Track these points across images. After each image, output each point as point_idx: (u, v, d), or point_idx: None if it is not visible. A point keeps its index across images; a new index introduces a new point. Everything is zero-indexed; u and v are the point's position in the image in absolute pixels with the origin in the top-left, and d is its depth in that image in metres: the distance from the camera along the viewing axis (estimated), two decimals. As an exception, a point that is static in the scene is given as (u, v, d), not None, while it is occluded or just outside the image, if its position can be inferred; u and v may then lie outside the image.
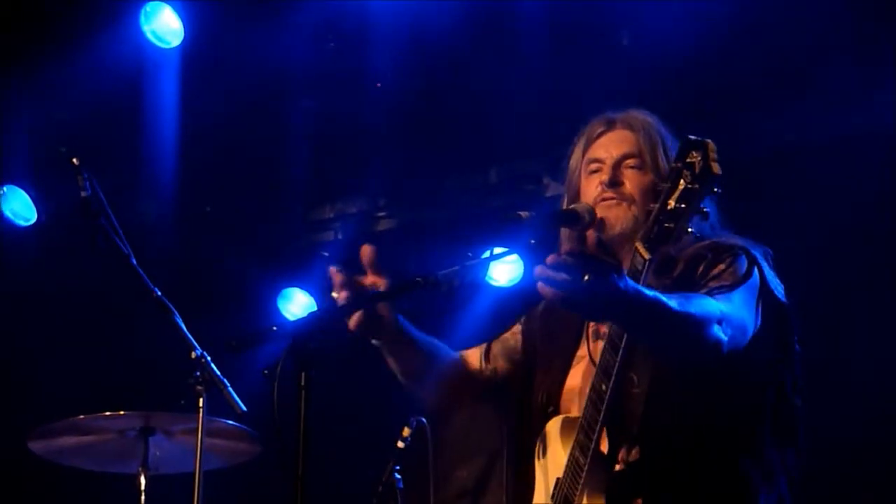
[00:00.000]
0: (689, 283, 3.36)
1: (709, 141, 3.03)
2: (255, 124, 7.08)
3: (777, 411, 3.45)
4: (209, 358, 4.31)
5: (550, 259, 2.92)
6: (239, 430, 5.07)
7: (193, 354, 4.31)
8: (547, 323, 3.75)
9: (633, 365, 3.34)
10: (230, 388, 4.28)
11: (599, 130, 3.68)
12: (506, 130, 6.74)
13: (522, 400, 3.76)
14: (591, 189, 3.59)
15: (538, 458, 3.58)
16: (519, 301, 3.87)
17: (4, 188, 7.10)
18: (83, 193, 4.42)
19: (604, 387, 3.26)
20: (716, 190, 3.02)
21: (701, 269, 3.41)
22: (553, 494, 3.43)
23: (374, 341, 3.67)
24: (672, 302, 3.06)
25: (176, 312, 4.41)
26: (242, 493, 6.77)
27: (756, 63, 6.03)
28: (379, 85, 6.74)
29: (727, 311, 3.19)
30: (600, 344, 3.41)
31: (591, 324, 3.59)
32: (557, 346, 3.67)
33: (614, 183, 3.54)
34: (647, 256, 3.05)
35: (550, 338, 3.72)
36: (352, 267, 3.59)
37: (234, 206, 7.51)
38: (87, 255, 4.57)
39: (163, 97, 6.86)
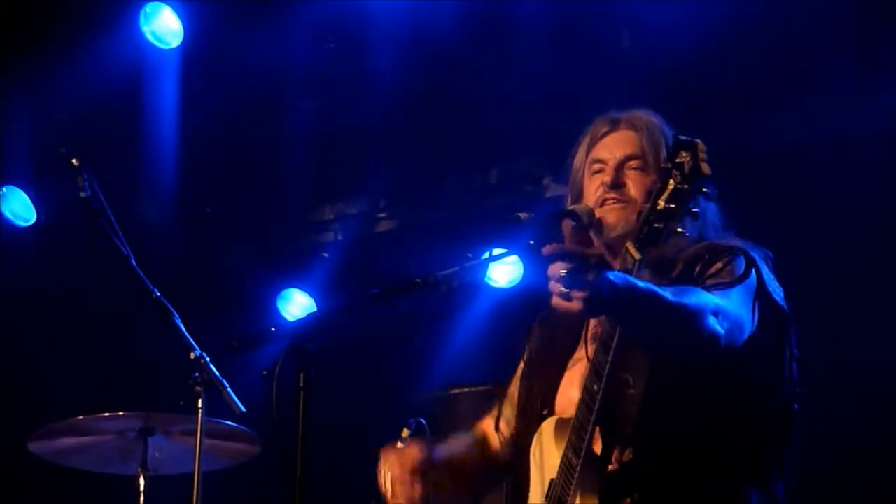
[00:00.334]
0: (687, 283, 3.36)
1: (698, 141, 3.03)
2: (255, 125, 7.08)
3: (773, 415, 3.44)
4: (208, 359, 4.31)
5: (553, 272, 2.93)
6: (238, 431, 5.07)
7: (193, 355, 4.31)
8: (547, 326, 3.75)
9: (628, 366, 3.33)
10: (229, 389, 4.28)
11: (603, 130, 3.67)
12: (506, 131, 6.74)
13: (521, 402, 3.76)
14: (594, 190, 3.59)
15: (534, 460, 3.58)
16: (520, 304, 3.87)
17: (4, 189, 7.11)
18: (83, 194, 4.42)
19: (595, 387, 3.26)
20: (705, 190, 3.02)
21: (698, 268, 3.41)
22: (547, 495, 3.43)
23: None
24: (666, 293, 3.07)
25: (175, 313, 4.41)
26: (242, 493, 6.77)
27: (756, 64, 6.02)
28: (377, 85, 6.74)
29: (723, 304, 3.19)
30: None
31: (591, 326, 3.59)
32: (556, 349, 3.67)
33: (616, 185, 3.54)
34: (637, 257, 3.05)
35: (550, 341, 3.72)
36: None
37: (234, 206, 7.50)
38: (87, 256, 4.56)
39: (162, 98, 6.86)
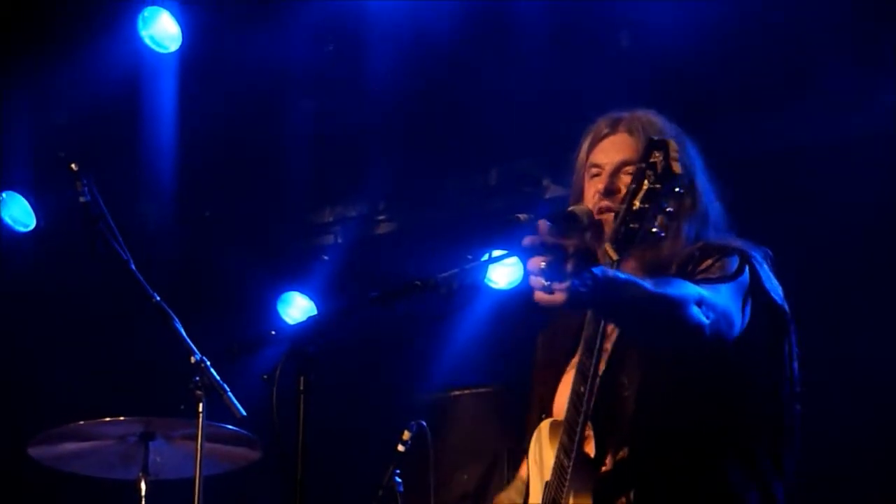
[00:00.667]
0: None
1: (670, 140, 3.05)
2: (254, 128, 7.08)
3: (772, 415, 3.43)
4: (209, 363, 4.31)
5: (533, 266, 2.92)
6: (239, 435, 5.06)
7: (193, 359, 4.31)
8: (548, 332, 3.76)
9: (623, 368, 3.35)
10: (230, 393, 4.28)
11: (603, 133, 3.66)
12: (505, 132, 6.74)
13: (523, 406, 3.77)
14: (591, 194, 3.59)
15: (534, 461, 3.58)
16: (520, 306, 3.86)
17: (4, 194, 7.11)
18: (82, 199, 4.42)
19: (582, 389, 3.28)
20: (677, 190, 3.02)
21: (690, 267, 3.41)
22: (543, 497, 3.43)
23: None
24: (646, 283, 3.07)
25: (175, 317, 4.41)
26: (243, 497, 6.77)
27: (756, 64, 6.02)
28: (375, 87, 6.73)
29: (708, 295, 3.18)
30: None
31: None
32: (556, 353, 3.68)
33: (610, 191, 3.53)
34: (615, 257, 3.06)
35: (550, 346, 3.73)
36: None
37: (234, 209, 7.50)
38: (87, 261, 4.56)
39: (161, 102, 6.86)
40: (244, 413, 4.26)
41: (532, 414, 3.69)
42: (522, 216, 3.33)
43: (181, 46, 6.65)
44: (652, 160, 3.02)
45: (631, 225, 3.04)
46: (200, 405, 4.28)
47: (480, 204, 7.04)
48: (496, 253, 3.58)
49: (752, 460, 3.39)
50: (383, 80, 6.69)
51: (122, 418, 5.14)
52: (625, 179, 3.54)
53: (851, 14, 5.75)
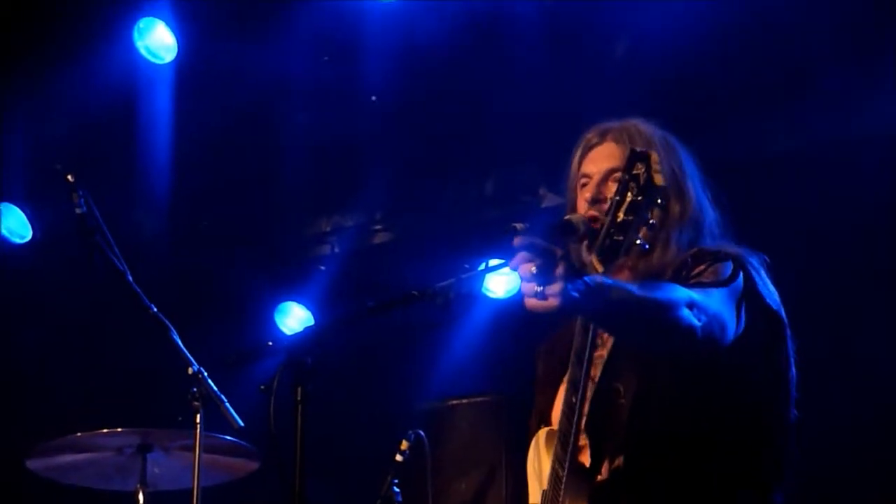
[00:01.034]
0: None
1: (652, 152, 3.06)
2: (250, 138, 7.08)
3: (768, 421, 3.43)
4: (206, 373, 4.31)
5: (524, 273, 2.92)
6: (236, 446, 5.05)
7: (190, 370, 4.31)
8: (549, 343, 3.76)
9: (618, 375, 3.36)
10: (227, 404, 4.28)
11: (592, 143, 3.68)
12: (502, 142, 6.74)
13: (524, 416, 3.77)
14: (582, 204, 3.60)
15: (533, 470, 3.59)
16: (517, 315, 3.86)
17: (0, 206, 7.10)
18: (78, 210, 4.42)
19: (573, 399, 3.29)
20: (660, 201, 3.04)
21: (683, 273, 3.41)
22: (540, 506, 3.44)
23: None
24: (633, 286, 3.07)
25: (172, 328, 4.40)
26: (241, 508, 6.76)
27: (754, 68, 6.02)
28: (374, 98, 6.74)
29: (699, 298, 3.17)
30: (594, 354, 3.42)
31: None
32: (555, 364, 3.68)
33: (597, 200, 3.54)
34: (600, 269, 3.06)
35: (550, 356, 3.73)
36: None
37: (230, 220, 7.50)
38: (83, 272, 4.55)
39: (157, 113, 6.86)
40: (242, 424, 4.25)
41: (532, 423, 3.69)
42: (519, 225, 3.33)
43: (177, 57, 6.66)
44: (635, 172, 3.04)
45: (616, 237, 3.05)
46: (198, 416, 4.28)
47: (477, 213, 7.05)
48: (493, 262, 3.58)
49: (749, 467, 3.38)
50: (379, 90, 6.70)
51: (119, 430, 5.12)
52: (612, 188, 3.55)
53: (851, 15, 5.76)
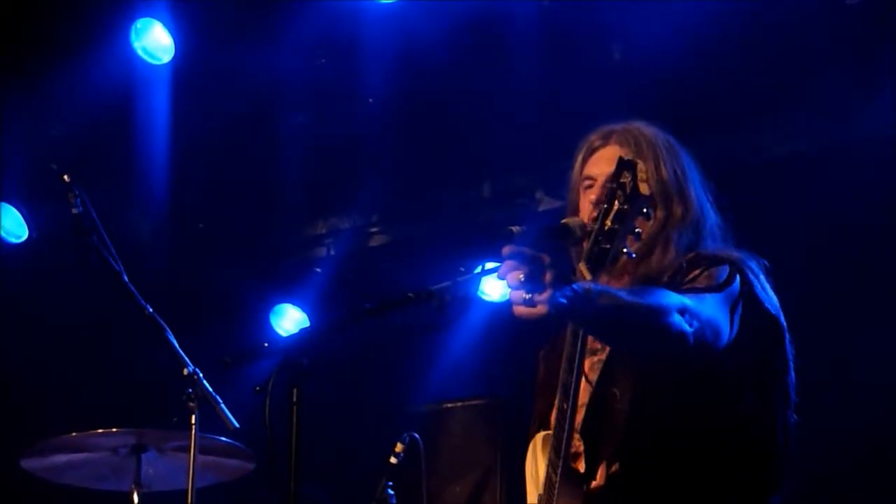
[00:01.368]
0: None
1: (638, 161, 3.10)
2: (247, 140, 7.08)
3: (765, 426, 3.42)
4: (201, 374, 4.31)
5: (512, 280, 2.93)
6: (231, 447, 5.05)
7: (186, 371, 4.30)
8: (549, 347, 3.76)
9: (614, 380, 3.36)
10: (222, 405, 4.28)
11: (595, 145, 3.69)
12: (498, 145, 6.74)
13: (522, 420, 3.77)
14: (585, 206, 3.61)
15: (529, 473, 3.59)
16: (513, 318, 3.86)
17: (-4, 205, 7.10)
18: (74, 211, 4.41)
19: (565, 406, 3.29)
20: (645, 210, 3.05)
21: (679, 278, 3.41)
22: (535, 510, 3.45)
23: None
24: (623, 292, 3.08)
25: (168, 329, 4.40)
26: (236, 509, 6.75)
27: (755, 69, 6.03)
28: (371, 101, 6.74)
29: (691, 304, 3.17)
30: (592, 359, 3.42)
31: (587, 343, 3.59)
32: (554, 368, 3.68)
33: (601, 202, 3.54)
34: (588, 277, 3.05)
35: (549, 360, 3.73)
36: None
37: (227, 222, 7.50)
38: (79, 273, 4.56)
39: (154, 114, 6.85)
40: (237, 425, 4.25)
41: (532, 427, 3.69)
42: (516, 228, 3.34)
43: (174, 58, 6.66)
44: (622, 180, 3.05)
45: (603, 245, 3.05)
46: (193, 417, 4.27)
47: (474, 216, 7.05)
48: (489, 265, 3.58)
49: (745, 472, 3.38)
50: (376, 92, 6.70)
51: (114, 430, 5.12)
52: None
53: (850, 18, 5.76)
